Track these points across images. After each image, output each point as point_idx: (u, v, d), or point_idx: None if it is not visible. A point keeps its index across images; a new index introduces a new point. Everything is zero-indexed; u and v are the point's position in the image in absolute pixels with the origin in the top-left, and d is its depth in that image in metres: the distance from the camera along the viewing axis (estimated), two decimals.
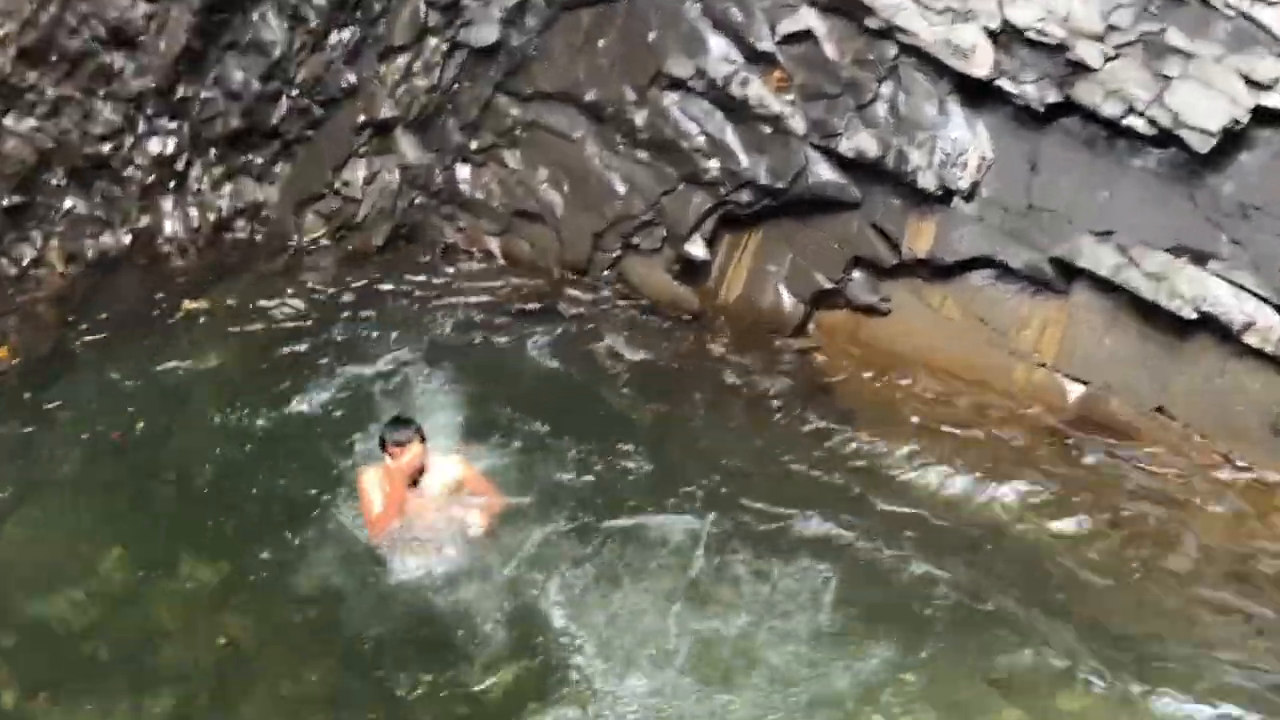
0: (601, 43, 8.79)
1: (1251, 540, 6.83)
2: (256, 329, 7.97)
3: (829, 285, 8.42)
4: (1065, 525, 6.86)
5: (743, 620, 5.72)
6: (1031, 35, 7.61)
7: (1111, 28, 7.52)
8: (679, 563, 6.06)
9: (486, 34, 8.89)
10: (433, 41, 8.95)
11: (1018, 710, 5.35)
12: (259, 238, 8.99)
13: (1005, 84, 7.75)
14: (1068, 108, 7.72)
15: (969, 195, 7.99)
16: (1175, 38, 7.39)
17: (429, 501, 6.22)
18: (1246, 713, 5.35)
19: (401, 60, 8.97)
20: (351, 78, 8.94)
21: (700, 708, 5.22)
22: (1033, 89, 7.72)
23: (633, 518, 6.45)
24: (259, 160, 8.98)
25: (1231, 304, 7.30)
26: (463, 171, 9.33)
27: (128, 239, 8.39)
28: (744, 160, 8.41)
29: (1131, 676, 5.51)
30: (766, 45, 8.26)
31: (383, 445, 6.17)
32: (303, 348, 7.84)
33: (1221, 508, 7.06)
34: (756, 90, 8.32)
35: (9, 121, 7.69)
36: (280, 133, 8.90)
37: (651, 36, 8.56)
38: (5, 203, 7.75)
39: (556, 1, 8.86)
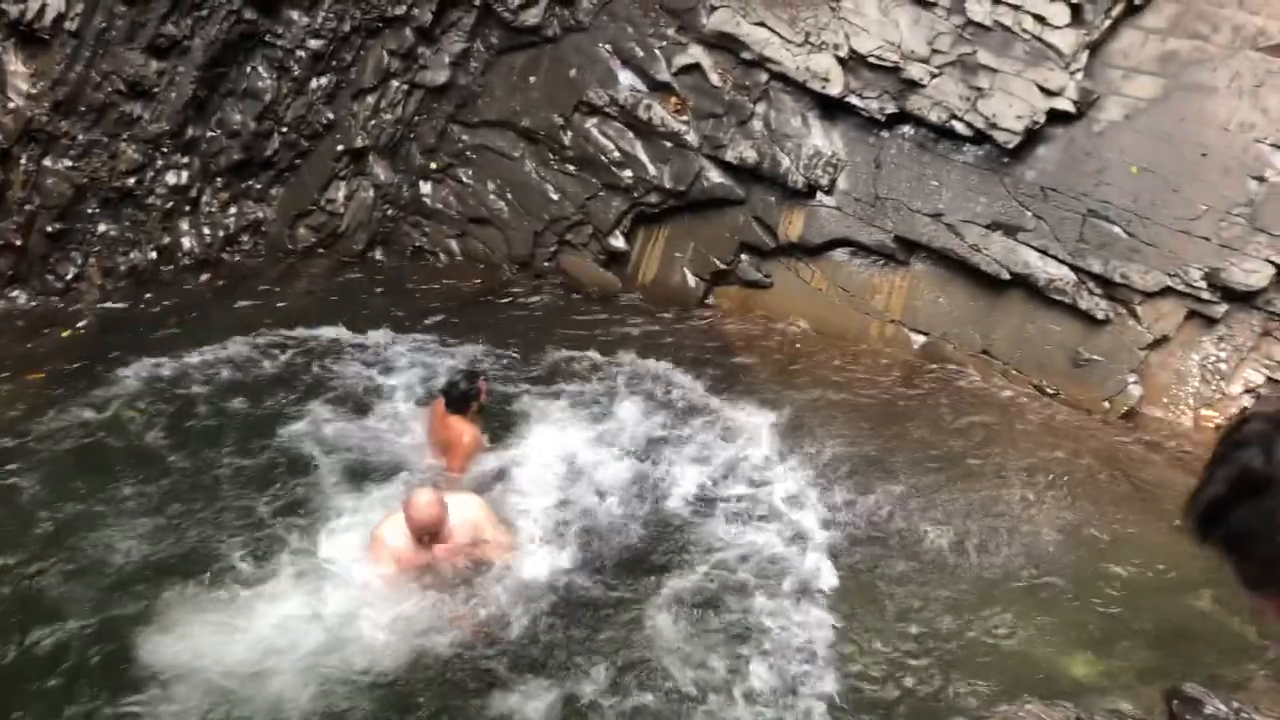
0: (533, 79, 9.82)
1: (1059, 443, 7.98)
2: (265, 321, 8.70)
3: (723, 266, 9.50)
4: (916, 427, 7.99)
5: None
6: (872, 60, 8.79)
7: (935, 51, 8.69)
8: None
9: (438, 76, 9.86)
10: (395, 83, 9.85)
11: None
12: (261, 248, 9.84)
13: (853, 100, 8.93)
14: (903, 117, 8.87)
15: (829, 190, 9.13)
16: (985, 57, 8.56)
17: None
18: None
19: (370, 99, 9.83)
20: (330, 115, 9.75)
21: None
22: (875, 103, 8.88)
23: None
24: (257, 185, 9.80)
25: (1037, 266, 8.49)
26: (425, 187, 10.16)
27: (153, 255, 9.26)
28: (651, 169, 9.49)
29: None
30: (664, 76, 9.38)
31: (471, 396, 6.64)
32: (299, 333, 8.55)
33: (1036, 419, 8.22)
34: (658, 112, 9.43)
35: (47, 162, 8.50)
36: (274, 162, 9.74)
37: (573, 73, 9.65)
38: (49, 229, 8.57)
39: (494, 47, 9.89)
